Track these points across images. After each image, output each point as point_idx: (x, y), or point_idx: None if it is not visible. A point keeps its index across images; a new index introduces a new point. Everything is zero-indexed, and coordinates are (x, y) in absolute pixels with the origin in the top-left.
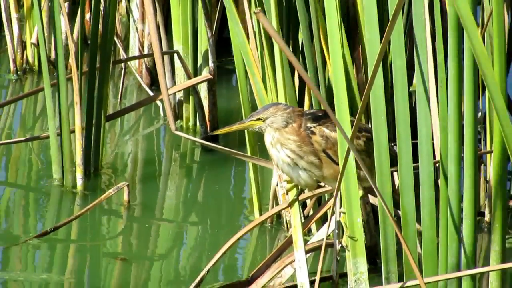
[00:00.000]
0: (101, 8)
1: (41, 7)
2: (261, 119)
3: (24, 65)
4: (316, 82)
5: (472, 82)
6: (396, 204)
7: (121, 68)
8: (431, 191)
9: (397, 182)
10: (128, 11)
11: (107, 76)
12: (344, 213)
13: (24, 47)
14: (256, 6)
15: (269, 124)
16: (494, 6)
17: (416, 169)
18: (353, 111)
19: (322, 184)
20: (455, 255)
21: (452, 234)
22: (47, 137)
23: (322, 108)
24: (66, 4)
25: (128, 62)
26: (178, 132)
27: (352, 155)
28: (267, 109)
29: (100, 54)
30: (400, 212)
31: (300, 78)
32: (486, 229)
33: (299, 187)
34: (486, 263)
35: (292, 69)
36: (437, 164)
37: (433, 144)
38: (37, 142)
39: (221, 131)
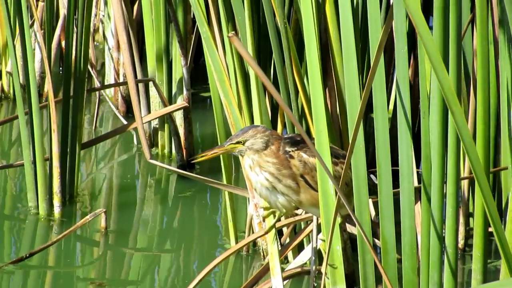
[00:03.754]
0: (75, 35)
1: (15, 37)
2: (241, 142)
3: None
4: (289, 109)
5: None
6: (374, 233)
7: (96, 96)
8: (412, 220)
9: (372, 212)
10: (104, 38)
11: (81, 104)
12: (324, 240)
13: None
14: (228, 31)
15: (249, 146)
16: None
17: (395, 194)
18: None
19: (298, 211)
20: (437, 284)
21: (434, 264)
22: (22, 165)
23: (297, 132)
24: (42, 31)
25: (104, 90)
26: (152, 161)
27: (331, 182)
28: (247, 131)
29: (73, 81)
30: (377, 241)
31: (272, 103)
32: (459, 255)
33: (276, 214)
34: None
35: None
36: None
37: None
38: (15, 168)
39: (201, 158)
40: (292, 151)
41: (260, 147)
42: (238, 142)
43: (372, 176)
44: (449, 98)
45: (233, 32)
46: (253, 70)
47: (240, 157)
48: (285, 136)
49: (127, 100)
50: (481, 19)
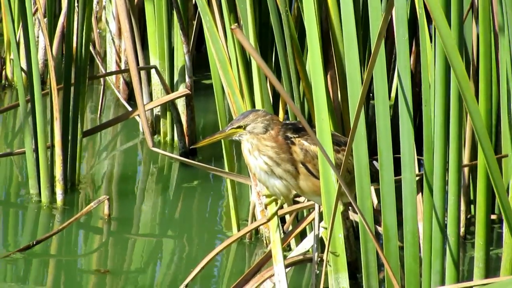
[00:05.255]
0: (75, 22)
1: (14, 23)
2: (242, 127)
3: (3, 81)
4: (291, 96)
5: (457, 103)
6: (376, 220)
7: (101, 83)
8: (414, 209)
9: (375, 199)
10: (106, 25)
11: (82, 91)
12: (326, 228)
13: (3, 63)
14: (230, 23)
15: (249, 130)
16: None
17: (397, 182)
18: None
19: (301, 199)
20: (439, 272)
21: (436, 252)
22: (23, 153)
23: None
24: (45, 19)
25: (106, 77)
26: (155, 149)
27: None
28: (247, 116)
29: (75, 69)
30: (379, 228)
31: (273, 90)
32: (460, 243)
33: (278, 202)
34: (465, 277)
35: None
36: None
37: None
38: (18, 156)
39: (202, 143)
40: (294, 137)
41: (261, 131)
42: (239, 127)
43: (375, 162)
44: (463, 85)
45: (236, 24)
46: (256, 62)
47: (241, 142)
48: (288, 122)
49: (129, 87)
50: (483, 6)
